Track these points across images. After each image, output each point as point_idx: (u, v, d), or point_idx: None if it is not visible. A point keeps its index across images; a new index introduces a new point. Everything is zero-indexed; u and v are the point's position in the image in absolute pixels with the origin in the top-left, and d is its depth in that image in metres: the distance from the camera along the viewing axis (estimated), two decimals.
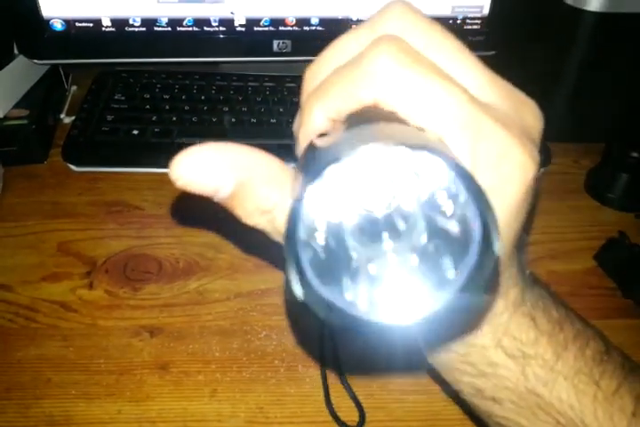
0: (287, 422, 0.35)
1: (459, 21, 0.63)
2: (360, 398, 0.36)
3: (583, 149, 0.59)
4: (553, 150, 0.57)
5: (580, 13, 0.53)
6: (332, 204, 0.16)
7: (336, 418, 0.35)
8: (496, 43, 0.65)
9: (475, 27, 0.64)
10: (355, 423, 0.35)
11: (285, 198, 0.19)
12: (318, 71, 0.20)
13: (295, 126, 0.22)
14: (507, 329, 0.23)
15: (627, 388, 0.24)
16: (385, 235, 0.17)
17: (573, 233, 0.50)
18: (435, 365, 0.26)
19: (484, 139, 0.18)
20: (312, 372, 0.38)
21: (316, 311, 0.16)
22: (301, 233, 0.16)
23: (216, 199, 0.20)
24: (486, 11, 0.63)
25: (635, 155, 0.50)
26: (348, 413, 0.36)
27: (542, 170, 0.56)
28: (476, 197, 0.15)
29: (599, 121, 0.58)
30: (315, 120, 0.20)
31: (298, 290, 0.16)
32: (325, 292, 0.16)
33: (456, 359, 0.24)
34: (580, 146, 0.59)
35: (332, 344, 0.39)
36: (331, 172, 0.15)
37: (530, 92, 0.21)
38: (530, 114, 0.20)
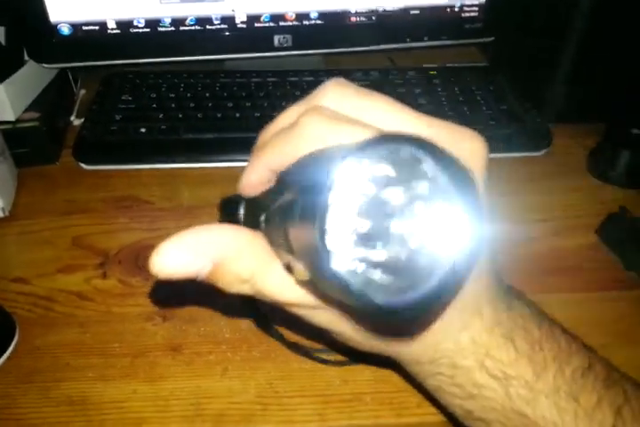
0: (297, 395, 0.35)
1: (456, 9, 0.64)
2: (364, 368, 0.37)
3: (584, 130, 0.59)
4: (555, 132, 0.58)
5: None
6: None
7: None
8: (494, 29, 0.66)
9: (472, 14, 0.65)
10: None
11: (260, 264, 0.22)
12: (266, 136, 0.25)
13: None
14: (488, 351, 0.24)
15: (607, 401, 0.24)
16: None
17: (576, 211, 0.50)
18: (429, 390, 0.27)
19: None
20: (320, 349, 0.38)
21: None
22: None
23: (198, 280, 0.22)
24: None
25: (636, 131, 0.51)
26: None
27: (544, 151, 0.57)
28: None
29: (599, 101, 0.58)
30: (256, 171, 0.25)
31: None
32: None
33: (445, 382, 0.25)
34: (581, 127, 0.60)
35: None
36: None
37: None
38: (467, 141, 0.23)
